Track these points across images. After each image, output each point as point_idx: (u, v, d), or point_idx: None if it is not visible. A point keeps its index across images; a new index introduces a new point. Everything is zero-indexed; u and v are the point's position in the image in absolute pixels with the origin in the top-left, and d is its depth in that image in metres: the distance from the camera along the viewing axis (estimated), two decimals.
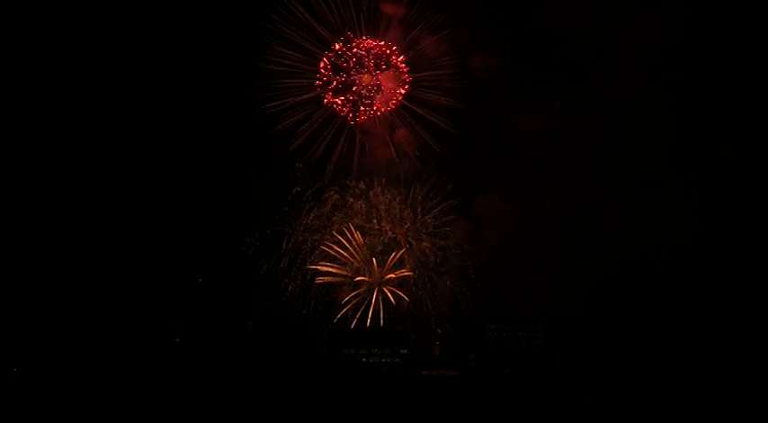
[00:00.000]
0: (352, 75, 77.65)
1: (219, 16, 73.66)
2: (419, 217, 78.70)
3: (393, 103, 78.05)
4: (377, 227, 78.61)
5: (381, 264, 77.75)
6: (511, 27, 74.20)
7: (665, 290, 70.91)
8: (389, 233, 78.55)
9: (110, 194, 73.87)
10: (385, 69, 77.74)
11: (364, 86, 77.74)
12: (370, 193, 78.91)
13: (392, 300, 76.59)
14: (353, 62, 77.55)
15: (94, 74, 73.19)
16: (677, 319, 70.08)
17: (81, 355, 68.53)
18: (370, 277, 77.72)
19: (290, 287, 76.92)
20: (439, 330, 77.13)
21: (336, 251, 77.76)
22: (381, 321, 76.68)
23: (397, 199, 78.67)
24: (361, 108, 78.09)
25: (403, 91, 77.99)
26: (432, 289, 77.55)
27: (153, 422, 58.04)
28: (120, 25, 72.40)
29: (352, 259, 77.81)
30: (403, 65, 77.70)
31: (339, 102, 77.66)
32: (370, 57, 77.60)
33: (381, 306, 76.95)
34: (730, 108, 71.50)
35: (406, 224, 78.68)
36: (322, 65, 76.81)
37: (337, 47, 76.60)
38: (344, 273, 77.70)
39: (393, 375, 68.90)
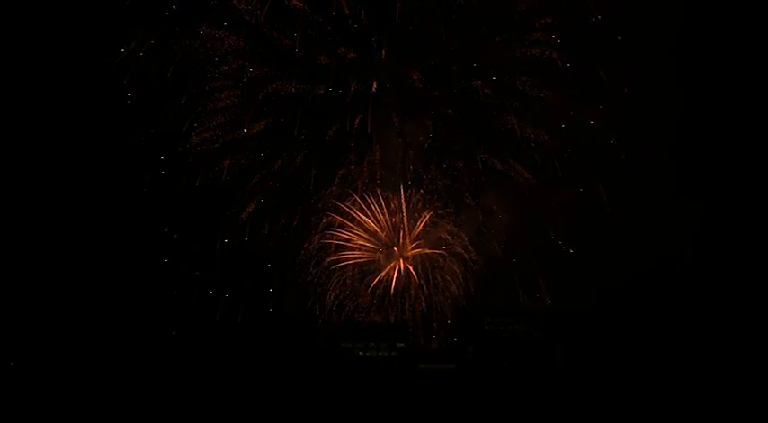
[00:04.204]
0: None
1: None
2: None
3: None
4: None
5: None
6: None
7: (670, 288, 70.24)
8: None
9: (105, 186, 73.44)
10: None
11: None
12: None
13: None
14: None
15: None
16: (681, 318, 69.37)
17: (77, 348, 68.56)
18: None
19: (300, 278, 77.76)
20: (435, 324, 77.36)
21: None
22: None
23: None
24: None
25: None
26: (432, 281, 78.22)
27: (151, 414, 57.81)
28: None
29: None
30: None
31: None
32: None
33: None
34: (745, 103, 70.93)
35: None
36: None
37: None
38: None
39: (389, 369, 68.50)
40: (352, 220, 79.13)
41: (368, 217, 79.31)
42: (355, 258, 79.51)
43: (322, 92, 76.85)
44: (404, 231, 79.03)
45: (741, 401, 53.63)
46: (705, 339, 65.13)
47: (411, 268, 78.43)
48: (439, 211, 79.17)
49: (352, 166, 78.75)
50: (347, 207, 78.56)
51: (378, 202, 79.23)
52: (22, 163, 72.24)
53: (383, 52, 76.13)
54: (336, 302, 79.16)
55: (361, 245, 79.83)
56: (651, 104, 70.24)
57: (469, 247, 77.58)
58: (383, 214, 79.44)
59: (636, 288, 70.14)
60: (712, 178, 70.57)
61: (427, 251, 79.00)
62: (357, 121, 76.86)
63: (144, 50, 71.95)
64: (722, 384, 57.35)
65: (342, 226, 78.82)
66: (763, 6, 69.18)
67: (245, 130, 76.03)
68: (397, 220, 79.04)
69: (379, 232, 79.41)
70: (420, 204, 79.41)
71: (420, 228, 79.06)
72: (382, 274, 78.82)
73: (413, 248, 78.75)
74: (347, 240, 79.18)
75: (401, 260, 79.01)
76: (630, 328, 67.88)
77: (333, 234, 78.59)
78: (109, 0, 69.69)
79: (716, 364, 61.24)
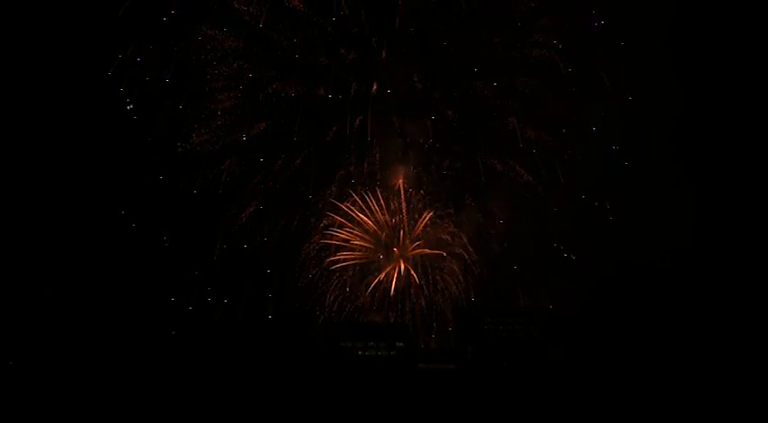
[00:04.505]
0: None
1: None
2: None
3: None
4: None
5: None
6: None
7: (666, 286, 70.16)
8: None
9: (105, 188, 73.36)
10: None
11: None
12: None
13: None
14: None
15: None
16: (680, 320, 69.27)
17: (77, 348, 68.43)
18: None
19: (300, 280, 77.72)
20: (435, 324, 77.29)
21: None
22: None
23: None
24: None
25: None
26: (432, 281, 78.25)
27: (149, 414, 57.54)
28: None
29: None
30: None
31: None
32: None
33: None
34: (737, 103, 70.96)
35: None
36: None
37: None
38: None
39: (389, 369, 68.26)
40: (352, 220, 79.15)
41: (368, 217, 79.36)
42: (355, 259, 79.51)
43: (322, 93, 76.87)
44: (404, 232, 79.12)
45: (740, 401, 53.53)
46: (705, 342, 65.08)
47: (411, 269, 78.39)
48: (439, 212, 79.21)
49: (352, 167, 78.77)
50: (347, 207, 78.56)
51: (378, 202, 79.27)
52: (22, 167, 72.30)
53: (383, 53, 76.29)
54: (336, 303, 79.24)
55: (361, 245, 79.85)
56: (653, 108, 70.50)
57: (469, 247, 77.69)
58: (383, 214, 79.47)
59: (636, 289, 70.11)
60: (713, 182, 70.54)
61: (427, 252, 78.98)
62: (357, 122, 76.95)
63: (143, 54, 72.05)
64: (721, 384, 57.29)
65: (342, 226, 78.83)
66: (762, 9, 69.36)
67: (244, 137, 75.95)
68: (397, 221, 79.09)
69: (379, 233, 79.44)
70: (420, 205, 79.49)
71: (420, 228, 79.14)
72: (382, 274, 78.81)
73: (413, 249, 78.77)
74: (347, 241, 79.17)
75: (401, 261, 78.97)
76: (630, 330, 67.84)
77: (333, 234, 78.56)
78: (108, 3, 69.92)
79: (715, 365, 61.23)
